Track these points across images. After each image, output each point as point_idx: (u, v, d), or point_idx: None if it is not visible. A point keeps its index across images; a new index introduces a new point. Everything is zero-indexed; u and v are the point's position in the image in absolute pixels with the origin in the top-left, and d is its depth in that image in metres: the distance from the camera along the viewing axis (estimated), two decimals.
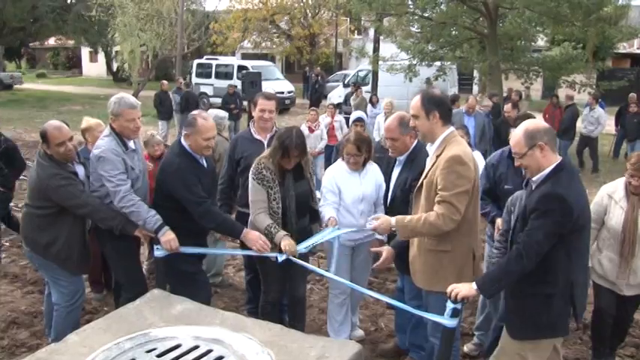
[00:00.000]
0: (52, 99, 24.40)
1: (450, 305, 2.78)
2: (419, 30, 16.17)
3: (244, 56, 30.24)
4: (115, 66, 33.64)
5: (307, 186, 3.75)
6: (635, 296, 3.69)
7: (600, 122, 11.67)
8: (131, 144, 3.67)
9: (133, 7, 22.38)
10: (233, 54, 30.74)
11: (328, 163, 7.62)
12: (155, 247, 3.54)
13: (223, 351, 2.33)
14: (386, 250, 3.47)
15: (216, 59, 23.41)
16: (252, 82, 12.33)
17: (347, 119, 9.38)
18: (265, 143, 4.08)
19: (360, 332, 4.33)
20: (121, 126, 3.59)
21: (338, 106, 12.56)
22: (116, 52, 31.54)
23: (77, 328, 2.72)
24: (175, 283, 3.62)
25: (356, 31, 33.20)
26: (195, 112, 3.74)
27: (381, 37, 18.36)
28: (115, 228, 3.55)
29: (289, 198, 3.60)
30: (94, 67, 41.03)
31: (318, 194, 3.97)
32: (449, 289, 2.78)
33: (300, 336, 2.59)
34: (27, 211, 3.69)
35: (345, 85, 19.45)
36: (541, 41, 17.41)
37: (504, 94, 13.52)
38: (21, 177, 6.14)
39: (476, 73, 21.13)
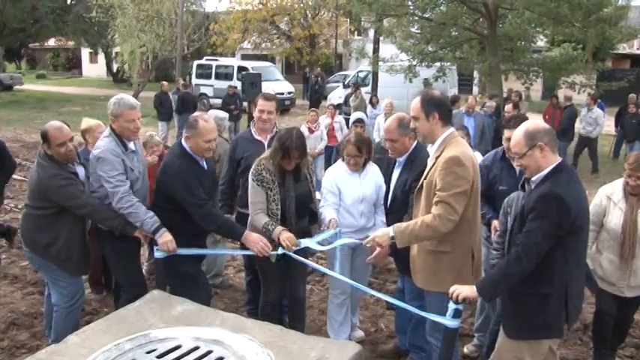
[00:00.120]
0: (52, 100, 24.39)
1: (451, 306, 2.77)
2: (419, 31, 16.14)
3: (244, 57, 30.23)
4: (115, 67, 33.63)
5: (307, 187, 3.76)
6: (636, 297, 3.68)
7: (599, 123, 11.67)
8: (131, 145, 3.67)
9: (133, 8, 22.39)
10: (233, 55, 30.76)
11: (328, 163, 7.62)
12: (155, 248, 3.54)
13: (223, 352, 2.33)
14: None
15: (216, 60, 23.41)
16: (252, 83, 12.35)
17: (347, 120, 9.39)
18: (266, 144, 4.09)
19: (360, 333, 4.33)
20: (120, 127, 3.59)
21: (338, 106, 12.55)
22: (116, 53, 31.53)
23: (77, 329, 2.73)
24: (175, 284, 3.62)
25: (356, 32, 33.16)
26: (196, 113, 3.75)
27: (381, 38, 18.33)
28: (115, 228, 3.55)
29: (289, 199, 3.61)
30: (94, 68, 41.10)
31: (318, 195, 3.97)
32: (451, 290, 2.78)
33: (300, 337, 2.60)
34: (27, 211, 3.69)
35: (345, 86, 19.44)
36: (541, 42, 17.39)
37: (504, 95, 13.52)
38: (21, 177, 6.04)
39: (476, 74, 21.15)
